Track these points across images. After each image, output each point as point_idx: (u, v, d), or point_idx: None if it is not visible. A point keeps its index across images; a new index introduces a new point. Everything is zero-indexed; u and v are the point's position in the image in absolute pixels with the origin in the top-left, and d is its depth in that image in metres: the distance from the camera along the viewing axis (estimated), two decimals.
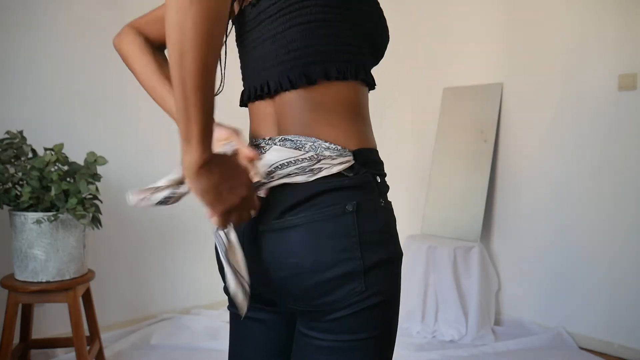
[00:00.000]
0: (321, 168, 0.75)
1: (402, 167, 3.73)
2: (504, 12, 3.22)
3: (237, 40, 0.89)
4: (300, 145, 0.76)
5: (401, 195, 3.54)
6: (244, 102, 0.88)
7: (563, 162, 2.92)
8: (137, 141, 2.90)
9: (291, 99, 0.78)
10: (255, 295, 0.85)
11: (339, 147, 0.76)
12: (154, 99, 0.93)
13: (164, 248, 3.04)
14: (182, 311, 3.07)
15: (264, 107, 0.82)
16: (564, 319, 2.90)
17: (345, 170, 0.76)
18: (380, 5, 0.85)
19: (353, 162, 0.77)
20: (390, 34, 0.88)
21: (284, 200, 0.76)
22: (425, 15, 3.63)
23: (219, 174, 0.68)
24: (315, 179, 0.75)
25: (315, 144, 0.76)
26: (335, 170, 0.75)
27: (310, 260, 0.74)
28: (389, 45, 0.88)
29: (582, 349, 2.77)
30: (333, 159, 0.75)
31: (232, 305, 0.92)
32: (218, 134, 0.81)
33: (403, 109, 3.77)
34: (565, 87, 2.92)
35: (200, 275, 3.14)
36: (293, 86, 0.77)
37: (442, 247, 3.00)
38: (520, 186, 3.11)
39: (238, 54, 0.90)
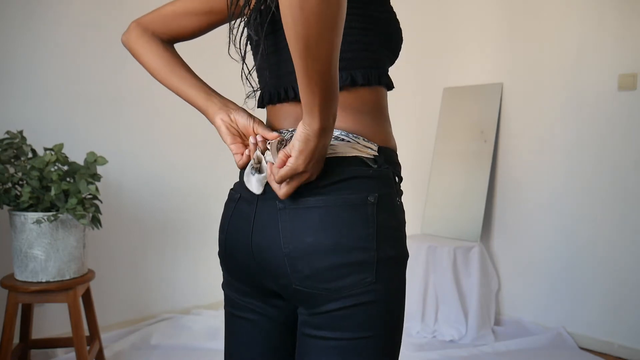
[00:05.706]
0: (349, 142, 0.78)
1: (402, 167, 3.71)
2: (504, 12, 3.22)
3: (253, 42, 0.89)
4: None
5: None
6: (263, 104, 0.88)
7: (563, 162, 2.92)
8: (137, 141, 2.90)
9: None
10: (254, 288, 0.86)
11: (365, 138, 0.79)
12: (171, 87, 0.92)
13: (164, 248, 3.04)
14: (182, 311, 3.07)
15: (287, 108, 0.84)
16: (564, 319, 2.90)
17: (369, 160, 0.78)
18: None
19: (377, 153, 0.79)
20: None
21: (310, 183, 0.77)
22: (426, 15, 3.63)
23: (324, 144, 0.72)
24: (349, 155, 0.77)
25: (342, 134, 0.78)
26: (358, 153, 0.77)
27: (328, 242, 0.75)
28: None
29: (582, 349, 2.77)
30: (359, 143, 0.78)
31: (228, 304, 0.92)
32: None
33: (403, 109, 3.77)
34: (565, 87, 2.92)
35: (200, 275, 3.14)
36: None
37: (442, 247, 3.00)
38: (520, 186, 3.11)
39: (254, 56, 0.90)
